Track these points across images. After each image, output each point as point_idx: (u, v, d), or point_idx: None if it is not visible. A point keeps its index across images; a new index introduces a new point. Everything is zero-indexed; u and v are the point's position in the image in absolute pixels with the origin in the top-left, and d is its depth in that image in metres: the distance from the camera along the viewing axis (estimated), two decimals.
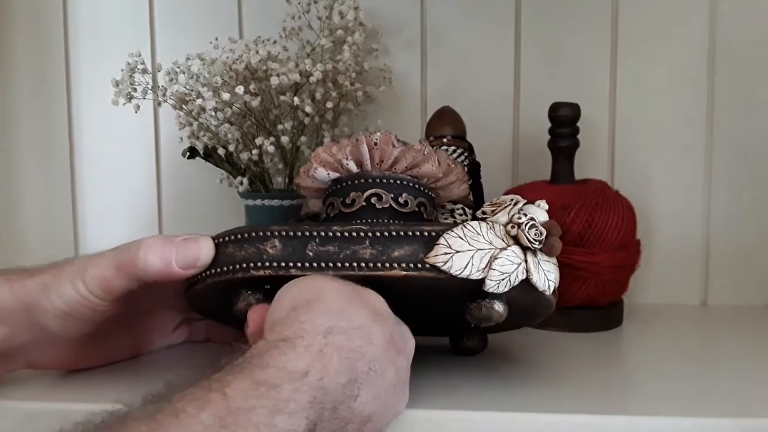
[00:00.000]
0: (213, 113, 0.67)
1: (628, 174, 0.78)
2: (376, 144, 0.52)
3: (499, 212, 0.47)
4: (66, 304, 0.46)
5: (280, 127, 0.69)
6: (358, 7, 0.71)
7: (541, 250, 0.46)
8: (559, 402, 0.47)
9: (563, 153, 0.69)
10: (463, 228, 0.44)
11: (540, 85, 0.79)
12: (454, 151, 0.67)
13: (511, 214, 0.46)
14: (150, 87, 0.69)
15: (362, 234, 0.45)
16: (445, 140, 0.67)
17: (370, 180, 0.52)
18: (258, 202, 0.72)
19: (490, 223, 0.45)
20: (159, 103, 0.70)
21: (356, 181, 0.52)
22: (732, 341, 0.65)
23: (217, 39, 0.72)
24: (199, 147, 0.72)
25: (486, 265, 0.44)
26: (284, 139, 0.68)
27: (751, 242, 0.78)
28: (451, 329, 0.56)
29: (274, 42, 0.71)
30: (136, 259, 0.44)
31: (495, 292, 0.44)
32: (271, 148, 0.68)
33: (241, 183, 0.72)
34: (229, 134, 0.69)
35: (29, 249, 0.85)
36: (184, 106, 0.70)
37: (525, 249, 0.45)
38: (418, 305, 0.47)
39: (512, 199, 0.48)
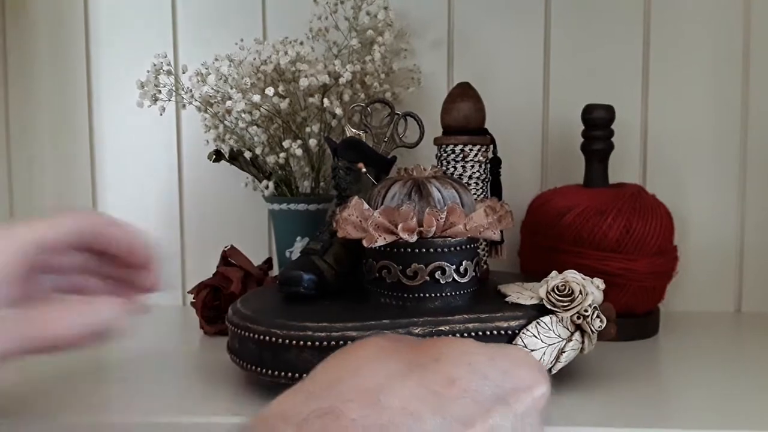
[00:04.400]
0: (240, 115, 0.65)
1: (660, 178, 0.77)
2: (442, 217, 0.49)
3: (572, 308, 0.49)
4: None
5: (307, 129, 0.67)
6: (387, 7, 0.70)
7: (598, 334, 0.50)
8: (595, 414, 0.47)
9: (597, 156, 0.68)
10: (538, 326, 0.49)
11: (570, 86, 0.77)
12: (470, 150, 0.62)
13: (581, 308, 0.49)
14: (175, 89, 0.68)
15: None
16: (464, 147, 0.61)
17: (432, 250, 0.50)
18: (284, 206, 0.71)
19: (560, 317, 0.49)
20: (183, 105, 0.69)
21: (417, 250, 0.50)
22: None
23: (242, 40, 0.70)
24: (225, 150, 0.70)
25: (554, 359, 0.49)
26: (312, 142, 0.67)
27: None
28: None
29: (301, 43, 0.70)
30: (44, 337, 0.40)
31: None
32: (299, 152, 0.66)
33: (267, 187, 0.71)
34: (256, 137, 0.68)
35: None
36: (209, 108, 0.68)
37: (584, 333, 0.50)
38: None
39: (581, 292, 0.50)
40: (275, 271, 0.75)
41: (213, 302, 0.69)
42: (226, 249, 0.71)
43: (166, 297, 0.82)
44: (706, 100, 0.76)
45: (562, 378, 0.53)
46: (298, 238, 0.71)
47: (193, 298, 0.70)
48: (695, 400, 0.50)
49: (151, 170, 0.82)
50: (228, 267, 0.70)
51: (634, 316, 0.64)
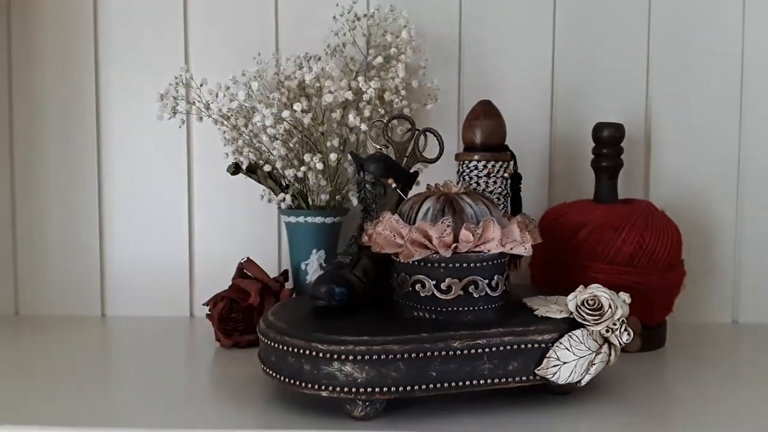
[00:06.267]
0: (265, 130, 0.66)
1: (660, 191, 0.79)
2: (479, 232, 0.51)
3: (602, 323, 0.51)
4: None
5: (329, 143, 0.68)
6: (407, 25, 0.71)
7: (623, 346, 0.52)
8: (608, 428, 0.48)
9: (607, 172, 0.70)
10: (570, 339, 0.51)
11: (576, 103, 0.79)
12: (493, 166, 0.64)
13: (611, 322, 0.51)
14: (194, 102, 0.68)
15: (480, 350, 0.49)
16: (488, 163, 0.64)
17: (465, 264, 0.51)
18: (300, 218, 0.71)
19: (590, 330, 0.51)
20: (200, 119, 0.69)
21: (451, 265, 0.51)
22: None
23: (259, 54, 0.71)
24: (244, 163, 0.71)
25: (585, 370, 0.51)
26: (332, 157, 0.68)
27: None
28: None
29: (319, 58, 0.70)
30: None
31: None
32: (320, 165, 0.67)
33: (284, 199, 0.71)
34: (275, 151, 0.68)
35: (54, 270, 0.82)
36: (226, 122, 0.69)
37: (611, 345, 0.52)
38: None
39: (610, 306, 0.52)
40: (291, 283, 0.75)
41: (230, 314, 0.69)
42: (242, 261, 0.71)
43: (172, 309, 0.81)
44: (704, 115, 0.79)
45: (585, 390, 0.54)
46: (314, 251, 0.72)
47: (209, 310, 0.70)
48: (710, 412, 0.52)
49: (160, 182, 0.81)
50: (244, 279, 0.70)
51: (645, 328, 0.66)
